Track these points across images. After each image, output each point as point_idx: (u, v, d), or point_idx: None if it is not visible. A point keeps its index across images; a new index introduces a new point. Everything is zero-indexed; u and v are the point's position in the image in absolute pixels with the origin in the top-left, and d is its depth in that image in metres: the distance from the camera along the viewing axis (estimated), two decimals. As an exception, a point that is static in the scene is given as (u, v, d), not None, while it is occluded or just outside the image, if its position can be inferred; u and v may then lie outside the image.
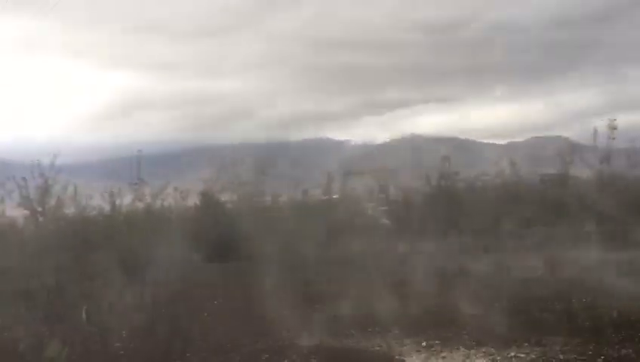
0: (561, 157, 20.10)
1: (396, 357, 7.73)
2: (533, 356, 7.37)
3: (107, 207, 18.11)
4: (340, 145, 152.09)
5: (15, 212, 17.10)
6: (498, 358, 7.40)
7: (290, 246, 14.97)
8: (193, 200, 21.48)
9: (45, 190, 16.00)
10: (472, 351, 7.71)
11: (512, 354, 7.52)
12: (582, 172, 19.98)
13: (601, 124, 18.86)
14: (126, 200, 18.10)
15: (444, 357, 7.64)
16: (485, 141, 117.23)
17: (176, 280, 12.94)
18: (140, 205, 17.75)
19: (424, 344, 8.17)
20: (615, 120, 18.49)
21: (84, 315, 8.82)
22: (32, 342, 8.18)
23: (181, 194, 20.04)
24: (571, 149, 20.51)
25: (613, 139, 18.29)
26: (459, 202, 19.27)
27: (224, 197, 20.87)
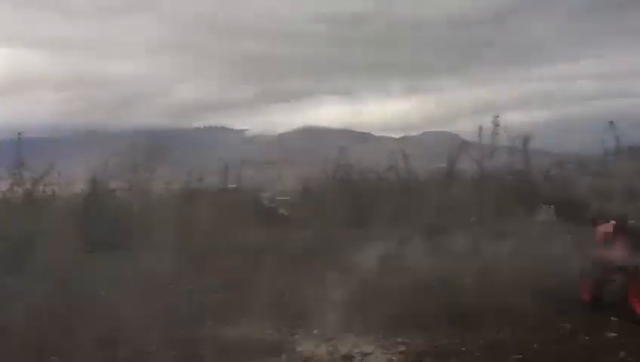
0: (449, 153, 21.08)
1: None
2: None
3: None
4: (238, 134, 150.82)
5: None
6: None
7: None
8: (81, 187, 20.42)
9: None
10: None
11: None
12: (469, 166, 21.03)
13: (486, 121, 20.00)
14: (4, 185, 17.00)
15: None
16: (380, 134, 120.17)
17: (58, 272, 12.17)
18: (19, 191, 16.71)
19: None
20: (498, 117, 19.73)
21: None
22: None
23: (67, 180, 18.98)
24: (460, 145, 21.52)
25: (497, 135, 19.51)
26: (357, 194, 19.69)
27: (114, 184, 20.00)
